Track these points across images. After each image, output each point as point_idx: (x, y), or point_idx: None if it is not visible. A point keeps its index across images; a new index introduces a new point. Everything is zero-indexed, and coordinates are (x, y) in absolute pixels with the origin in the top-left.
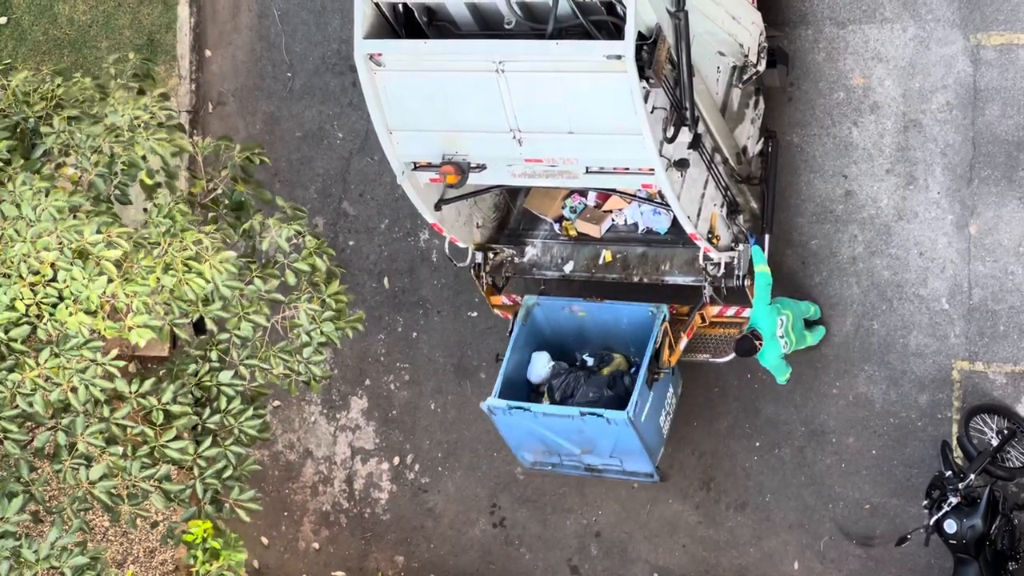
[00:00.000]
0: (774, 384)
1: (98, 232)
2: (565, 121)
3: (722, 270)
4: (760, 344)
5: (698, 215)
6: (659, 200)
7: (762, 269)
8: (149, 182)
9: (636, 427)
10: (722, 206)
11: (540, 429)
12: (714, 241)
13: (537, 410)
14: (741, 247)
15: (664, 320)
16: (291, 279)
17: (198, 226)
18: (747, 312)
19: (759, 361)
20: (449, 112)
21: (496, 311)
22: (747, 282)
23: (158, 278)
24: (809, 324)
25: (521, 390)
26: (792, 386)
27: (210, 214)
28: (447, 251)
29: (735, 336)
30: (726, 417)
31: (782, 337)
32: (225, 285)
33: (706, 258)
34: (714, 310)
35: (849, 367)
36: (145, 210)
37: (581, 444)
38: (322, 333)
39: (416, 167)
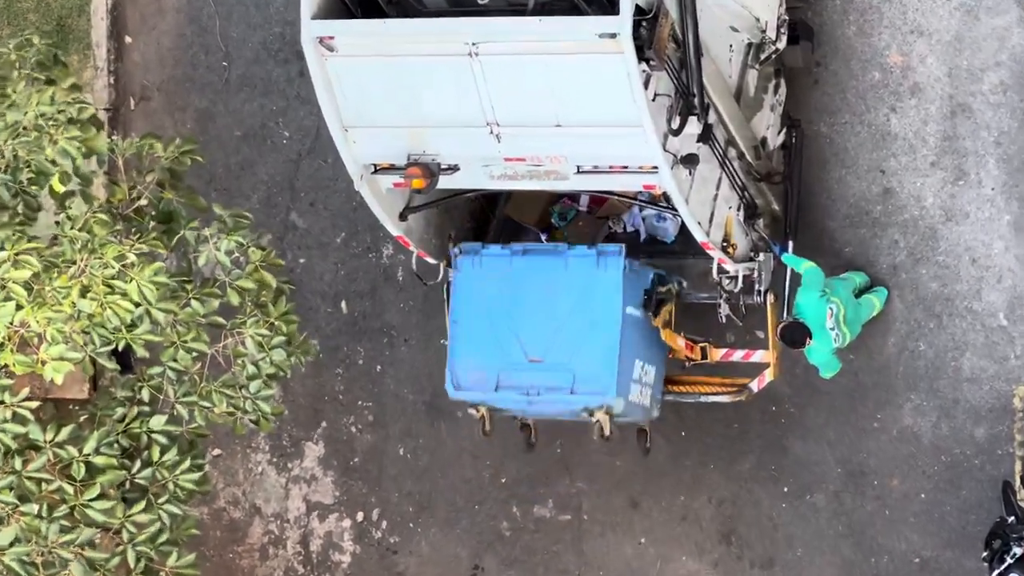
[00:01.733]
0: (803, 418)
1: (1, 250)
2: (551, 112)
3: (740, 284)
4: (811, 340)
5: (710, 220)
6: (664, 204)
7: (808, 266)
8: (60, 189)
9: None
10: (738, 209)
11: (502, 307)
12: (730, 251)
13: (517, 248)
14: (762, 257)
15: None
16: (234, 299)
17: (121, 239)
18: (758, 355)
19: (806, 357)
20: (414, 104)
21: None
22: (770, 298)
23: (74, 302)
24: (860, 293)
25: None
26: (825, 420)
27: (134, 227)
28: (415, 268)
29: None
30: (748, 458)
31: (833, 329)
32: (157, 307)
33: (721, 271)
34: (718, 353)
35: (892, 396)
36: (57, 223)
37: (541, 339)
38: (271, 362)
39: (377, 170)
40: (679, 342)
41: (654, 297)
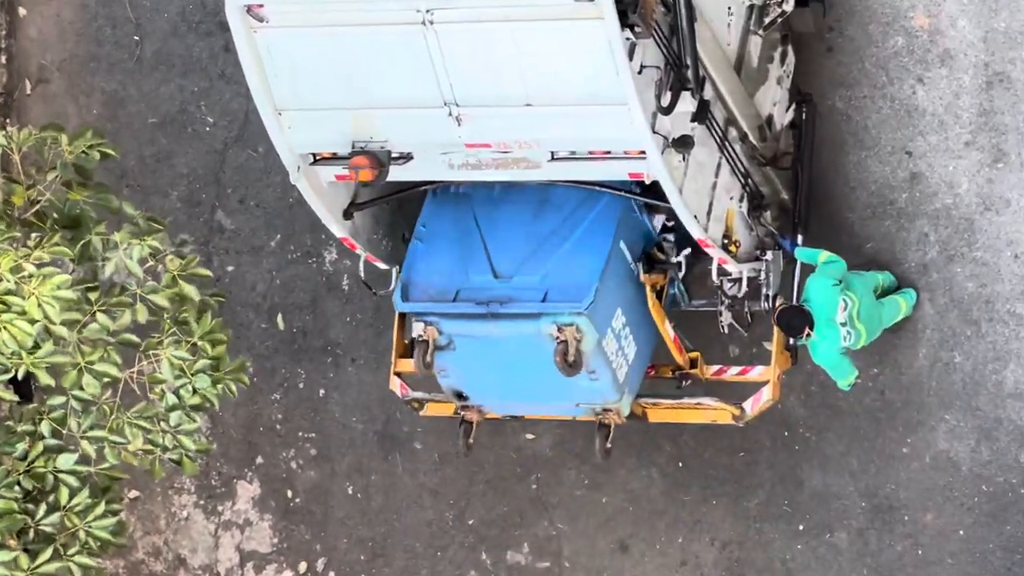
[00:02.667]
0: (821, 445)
1: None
2: (520, 90)
3: (744, 288)
4: (811, 332)
5: (708, 213)
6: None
7: (827, 256)
8: None
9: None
10: (741, 200)
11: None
12: (732, 248)
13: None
14: (769, 255)
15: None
16: (141, 315)
17: (18, 247)
18: (756, 371)
19: (811, 356)
20: (359, 83)
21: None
22: (779, 303)
23: None
24: (884, 293)
25: None
26: (846, 446)
27: (33, 233)
28: (362, 275)
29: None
30: (757, 492)
31: (844, 325)
32: (61, 322)
33: (721, 272)
34: (710, 369)
35: (924, 417)
36: None
37: (515, 257)
38: (195, 391)
39: (316, 160)
40: (668, 329)
41: (650, 254)
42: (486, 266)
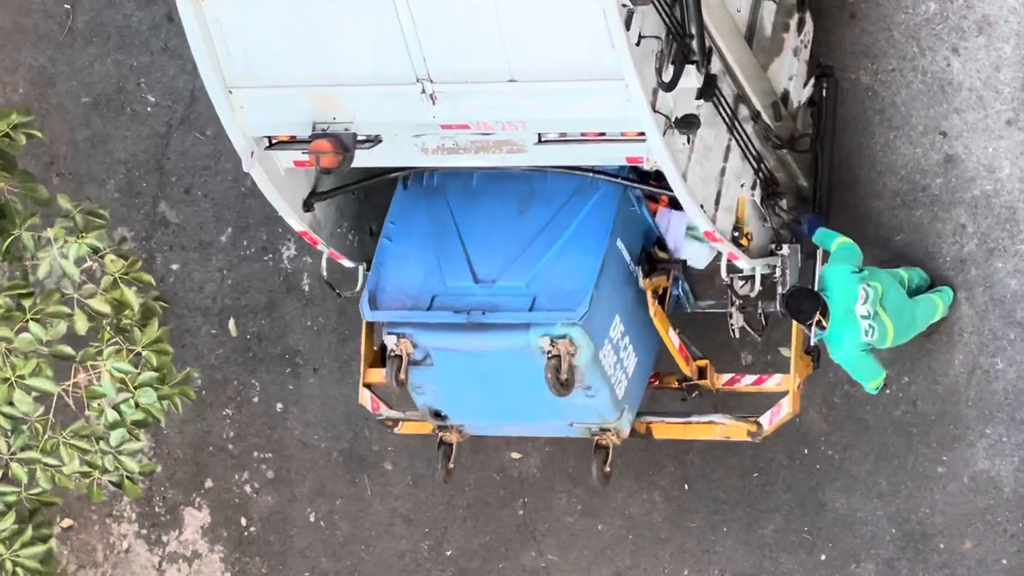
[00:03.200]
0: (845, 463)
1: None
2: (503, 64)
3: (757, 287)
4: (825, 322)
5: (716, 202)
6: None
7: (843, 241)
8: None
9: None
10: (754, 187)
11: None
12: (743, 242)
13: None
14: (786, 250)
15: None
16: (80, 325)
17: None
18: (773, 380)
19: (829, 354)
20: (320, 56)
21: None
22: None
23: None
24: (915, 293)
25: None
26: (874, 465)
27: None
28: (324, 274)
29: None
30: (773, 517)
31: (865, 318)
32: None
33: (732, 269)
34: (722, 379)
35: (962, 431)
36: None
37: (497, 260)
38: (138, 406)
39: (272, 144)
40: (672, 336)
41: (651, 253)
42: (465, 269)
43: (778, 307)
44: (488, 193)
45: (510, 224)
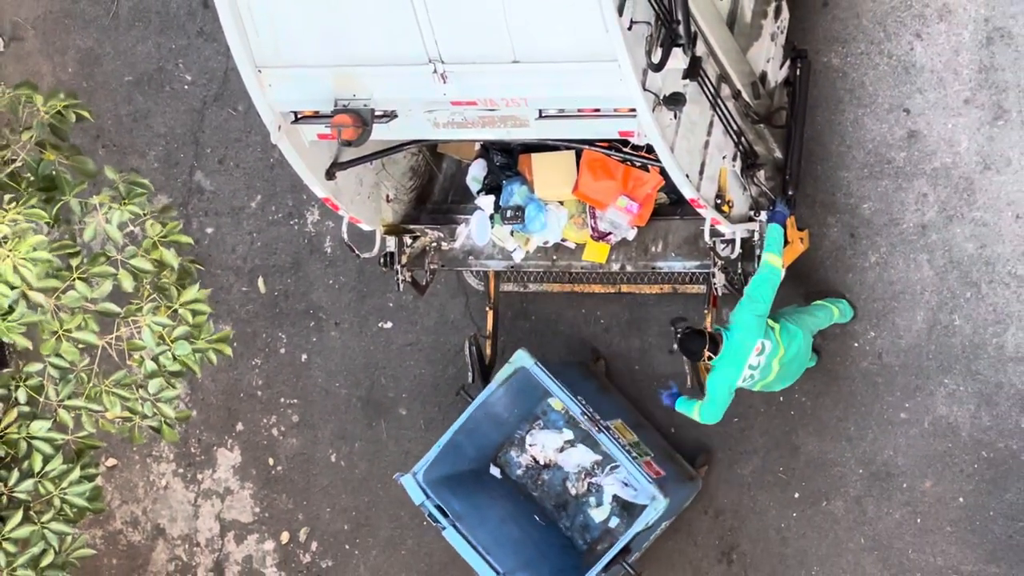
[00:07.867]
0: (817, 410)
1: None
2: (507, 45)
3: (737, 250)
4: (711, 357)
5: (701, 172)
6: (646, 153)
7: (773, 261)
8: None
9: None
10: (735, 159)
11: None
12: (725, 208)
13: None
14: (763, 216)
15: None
16: (126, 283)
17: None
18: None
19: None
20: (342, 39)
21: None
22: (679, 327)
23: None
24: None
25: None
26: (843, 412)
27: (7, 195)
28: (345, 237)
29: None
30: (751, 459)
31: (752, 368)
32: (37, 287)
33: (714, 233)
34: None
35: (922, 381)
36: None
37: None
38: (175, 358)
39: (298, 119)
40: None
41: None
42: None
43: (676, 346)
44: None
45: None
